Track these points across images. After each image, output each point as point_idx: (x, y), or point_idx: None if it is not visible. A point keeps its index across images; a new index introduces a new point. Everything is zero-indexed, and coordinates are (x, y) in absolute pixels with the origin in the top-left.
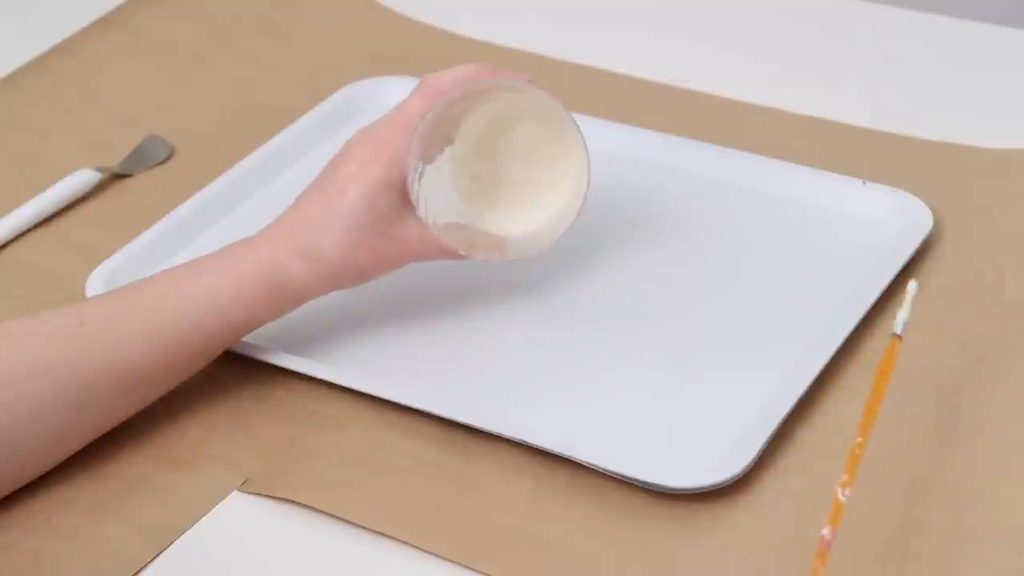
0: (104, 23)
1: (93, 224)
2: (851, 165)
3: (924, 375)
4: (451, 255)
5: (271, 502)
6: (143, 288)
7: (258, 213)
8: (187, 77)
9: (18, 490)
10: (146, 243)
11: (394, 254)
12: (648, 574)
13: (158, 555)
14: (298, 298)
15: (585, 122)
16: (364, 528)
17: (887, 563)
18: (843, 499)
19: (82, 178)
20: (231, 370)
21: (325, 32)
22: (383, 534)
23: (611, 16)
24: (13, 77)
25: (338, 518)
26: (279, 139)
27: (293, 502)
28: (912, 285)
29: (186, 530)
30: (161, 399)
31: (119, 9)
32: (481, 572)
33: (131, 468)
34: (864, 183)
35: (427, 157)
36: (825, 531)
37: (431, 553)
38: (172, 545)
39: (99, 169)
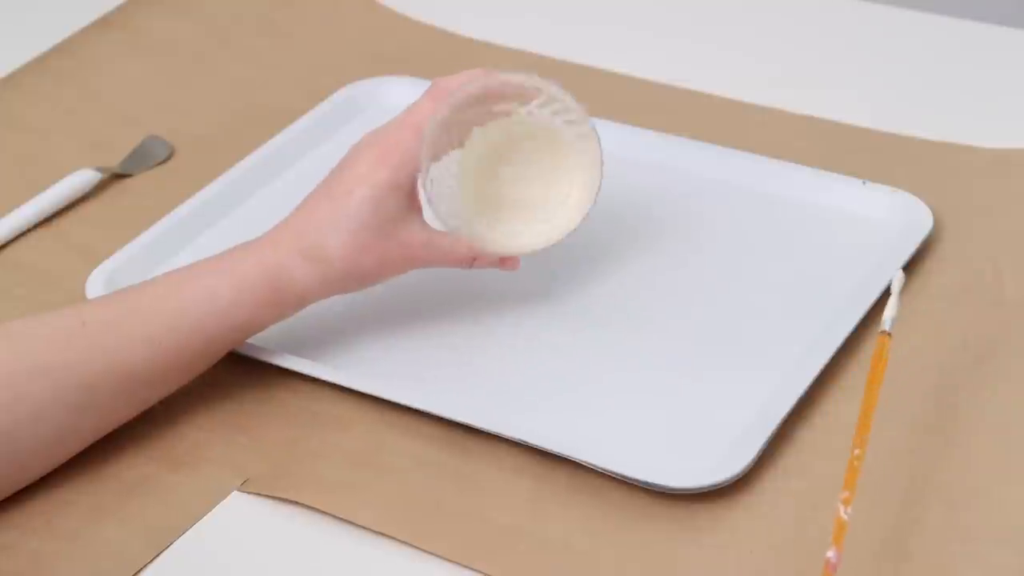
0: (104, 23)
1: (93, 224)
2: (851, 165)
3: (924, 375)
4: (455, 262)
5: (271, 502)
6: (144, 290)
7: (258, 213)
8: (187, 77)
9: (19, 491)
10: (146, 243)
11: (399, 258)
12: (648, 574)
13: (158, 555)
14: (300, 301)
15: None
16: (364, 528)
17: (884, 562)
18: (846, 517)
19: (82, 178)
20: (232, 371)
21: (325, 32)
22: (383, 534)
23: (611, 16)
24: (13, 77)
25: (338, 518)
26: (279, 139)
27: (294, 502)
28: (897, 277)
29: (186, 530)
30: (162, 400)
31: (119, 9)
32: (481, 572)
33: (132, 469)
34: (864, 183)
35: (436, 158)
36: (830, 553)
37: (431, 553)
38: (172, 545)
39: (99, 169)
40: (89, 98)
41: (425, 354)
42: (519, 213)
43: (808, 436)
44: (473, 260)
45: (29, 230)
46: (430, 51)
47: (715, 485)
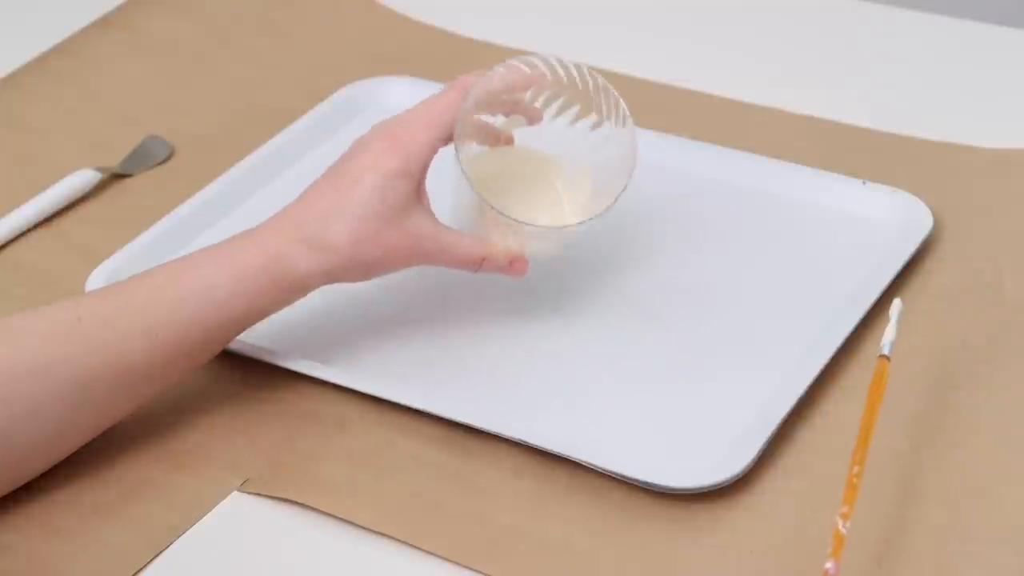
0: (104, 23)
1: (93, 224)
2: (851, 165)
3: (924, 375)
4: (462, 262)
5: (271, 502)
6: (141, 282)
7: (258, 213)
8: (187, 77)
9: (19, 491)
10: (146, 243)
11: (404, 249)
12: (648, 574)
13: (158, 555)
14: (301, 288)
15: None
16: (364, 528)
17: (884, 562)
18: (844, 531)
19: (82, 178)
20: (232, 371)
21: (325, 32)
22: (383, 534)
23: (611, 16)
24: (13, 77)
25: (338, 518)
26: (279, 139)
27: (294, 502)
28: (896, 304)
29: (186, 530)
30: (163, 400)
31: (119, 9)
32: (481, 572)
33: (133, 470)
34: (864, 183)
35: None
36: (829, 564)
37: (431, 553)
38: (172, 545)
39: (99, 169)
40: (89, 98)
41: (425, 354)
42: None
43: (808, 436)
44: (481, 261)
45: (29, 230)
46: (430, 51)
47: (715, 485)
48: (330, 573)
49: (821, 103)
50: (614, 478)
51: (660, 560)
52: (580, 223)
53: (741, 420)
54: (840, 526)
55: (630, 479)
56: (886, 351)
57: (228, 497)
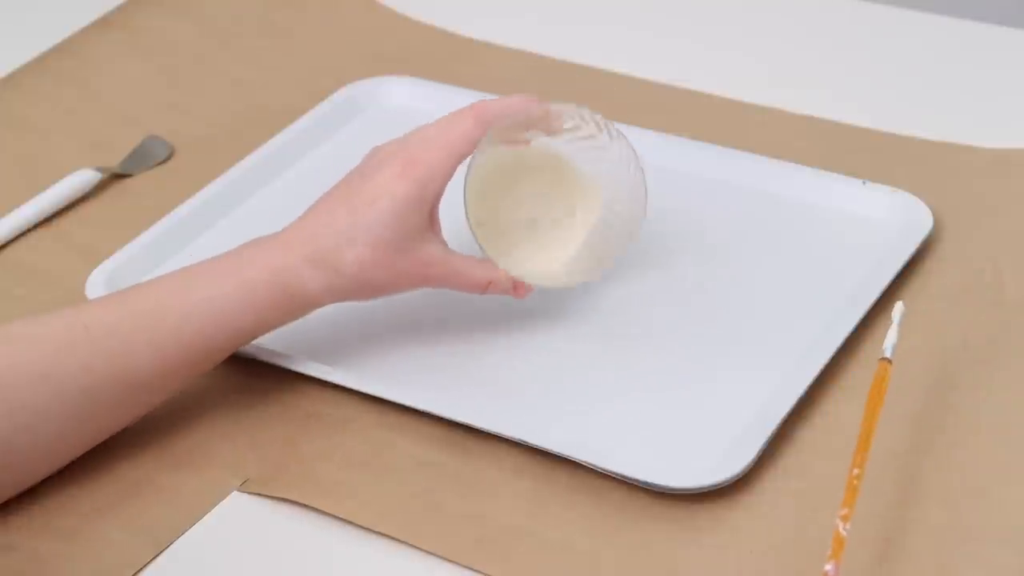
0: (104, 23)
1: (93, 224)
2: (851, 165)
3: (924, 375)
4: (470, 286)
5: (271, 502)
6: (148, 293)
7: (258, 213)
8: (187, 77)
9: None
10: (146, 243)
11: (414, 274)
12: (648, 574)
13: (158, 555)
14: (309, 307)
15: None
16: (364, 528)
17: (884, 562)
18: (844, 533)
19: (82, 178)
20: (232, 371)
21: (325, 32)
22: (383, 534)
23: (611, 16)
24: (13, 77)
25: (338, 518)
26: (279, 139)
27: (294, 502)
28: (898, 307)
29: (186, 530)
30: (163, 400)
31: (119, 9)
32: (481, 572)
33: (132, 469)
34: (864, 183)
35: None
36: (828, 566)
37: (431, 553)
38: (172, 545)
39: (99, 169)
40: (89, 98)
41: (426, 355)
42: (525, 237)
43: (808, 436)
44: (488, 284)
45: (29, 230)
46: (430, 51)
47: (715, 485)
48: (330, 573)
49: (821, 103)
50: (614, 478)
51: (660, 560)
52: (581, 273)
53: (741, 420)
54: (840, 528)
55: (630, 479)
56: (888, 354)
57: (228, 497)
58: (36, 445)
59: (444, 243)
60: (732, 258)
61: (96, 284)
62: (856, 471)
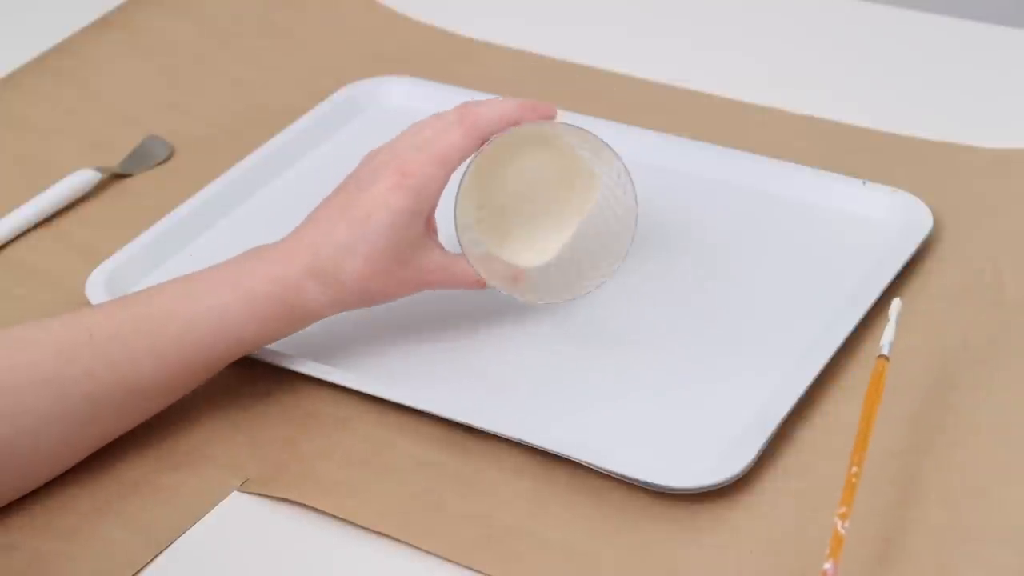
0: (104, 23)
1: (93, 224)
2: (851, 165)
3: (924, 375)
4: (468, 284)
5: (271, 502)
6: (152, 301)
7: (258, 213)
8: (187, 77)
9: None
10: (146, 243)
11: (411, 282)
12: (648, 574)
13: (158, 555)
14: (309, 319)
15: (585, 122)
16: (364, 528)
17: (884, 562)
18: (843, 531)
19: (82, 178)
20: (232, 371)
21: (325, 32)
22: (383, 534)
23: (611, 16)
24: (13, 77)
25: (338, 518)
26: (279, 139)
27: (294, 502)
28: (895, 304)
29: (186, 530)
30: None
31: (119, 9)
32: (481, 572)
33: (132, 469)
34: (864, 183)
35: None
36: (827, 565)
37: (431, 553)
38: (172, 545)
39: (99, 169)
40: (89, 98)
41: (425, 355)
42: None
43: (808, 436)
44: (485, 282)
45: (29, 230)
46: (430, 51)
47: (715, 485)
48: (330, 573)
49: (821, 103)
50: (614, 478)
51: (660, 560)
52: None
53: (741, 420)
54: (839, 527)
55: (630, 479)
56: (885, 351)
57: (228, 497)
58: (38, 449)
59: (442, 247)
60: (732, 258)
61: (96, 284)
62: (855, 469)
